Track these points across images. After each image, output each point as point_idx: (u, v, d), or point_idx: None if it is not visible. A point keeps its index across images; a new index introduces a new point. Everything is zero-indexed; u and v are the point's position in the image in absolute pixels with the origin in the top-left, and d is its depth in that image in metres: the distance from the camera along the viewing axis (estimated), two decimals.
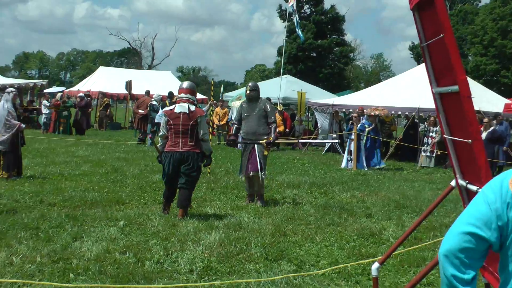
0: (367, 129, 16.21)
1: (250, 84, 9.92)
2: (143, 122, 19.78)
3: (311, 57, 55.57)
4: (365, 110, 17.25)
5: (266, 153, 9.52)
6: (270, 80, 32.96)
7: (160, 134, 8.24)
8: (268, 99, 21.10)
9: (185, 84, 8.38)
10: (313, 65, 54.26)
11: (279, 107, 22.30)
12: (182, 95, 8.11)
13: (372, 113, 16.55)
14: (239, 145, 10.09)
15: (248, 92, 9.78)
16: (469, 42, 53.50)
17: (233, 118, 10.00)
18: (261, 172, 9.37)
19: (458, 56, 3.08)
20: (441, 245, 2.21)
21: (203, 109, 15.42)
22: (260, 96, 9.87)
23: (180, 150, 7.91)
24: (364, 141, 16.20)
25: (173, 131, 7.93)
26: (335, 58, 57.01)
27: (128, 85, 24.48)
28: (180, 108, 7.96)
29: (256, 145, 9.44)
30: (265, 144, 9.44)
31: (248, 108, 9.68)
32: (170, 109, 8.06)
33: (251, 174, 9.48)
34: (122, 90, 28.21)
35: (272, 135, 9.45)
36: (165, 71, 37.97)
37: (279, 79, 26.39)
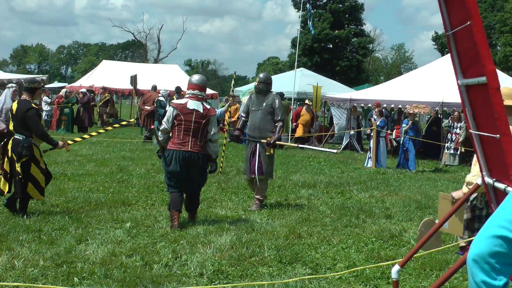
0: (404, 128, 16.05)
1: (261, 75, 9.62)
2: (150, 119, 19.87)
3: (327, 48, 55.56)
4: (407, 107, 16.86)
5: (268, 152, 9.22)
6: (284, 74, 32.91)
7: (162, 127, 7.81)
8: (281, 94, 21.14)
9: (196, 79, 7.93)
10: (329, 58, 54.23)
11: (307, 102, 22.33)
12: (195, 91, 7.76)
13: (411, 111, 16.28)
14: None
15: (257, 83, 9.53)
16: (498, 31, 53.08)
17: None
18: (262, 174, 9.13)
19: (486, 45, 3.07)
20: (470, 248, 2.18)
21: (221, 109, 15.46)
22: (272, 90, 9.57)
23: (189, 150, 7.60)
24: (402, 141, 16.07)
25: (183, 127, 7.59)
26: (353, 50, 56.97)
27: (133, 79, 24.55)
28: (194, 105, 7.64)
29: (258, 144, 9.20)
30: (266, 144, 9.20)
31: (256, 102, 9.39)
32: (182, 104, 7.68)
33: (252, 176, 9.27)
34: (127, 85, 28.26)
35: (275, 135, 9.15)
36: (172, 64, 38.01)
37: (293, 73, 26.28)
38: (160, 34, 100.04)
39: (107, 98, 28.14)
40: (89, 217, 8.00)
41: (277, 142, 9.27)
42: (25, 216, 7.77)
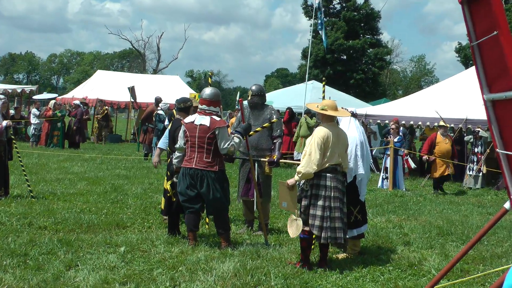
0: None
1: (253, 87, 9.41)
2: (148, 135, 19.86)
3: (341, 60, 55.75)
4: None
5: (267, 171, 9.17)
6: (294, 87, 33.11)
7: (177, 145, 8.26)
8: (289, 109, 21.32)
9: (207, 93, 8.11)
10: (343, 70, 54.37)
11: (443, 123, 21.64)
12: (202, 106, 8.04)
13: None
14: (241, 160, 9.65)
15: (250, 97, 9.37)
16: None
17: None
18: (261, 197, 9.02)
19: None
20: (506, 280, 2.16)
21: None
22: (267, 103, 9.53)
23: (193, 166, 7.86)
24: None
25: (189, 144, 7.96)
26: (369, 62, 57.08)
27: (131, 91, 24.63)
28: (201, 120, 7.93)
29: (256, 163, 9.05)
30: (267, 163, 9.10)
31: (251, 117, 9.30)
32: (191, 120, 8.02)
33: (251, 199, 9.19)
34: (123, 98, 28.45)
35: (276, 153, 9.08)
36: (173, 75, 38.25)
37: (304, 86, 26.46)
38: (160, 42, 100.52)
39: (106, 112, 27.92)
40: (80, 240, 7.98)
41: (280, 161, 9.26)
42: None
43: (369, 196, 14.10)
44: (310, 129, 18.77)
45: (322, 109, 7.22)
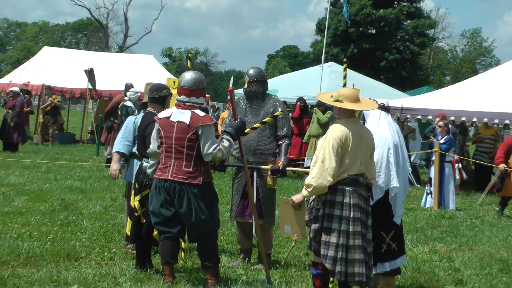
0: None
1: (250, 71, 9.25)
2: (113, 134, 19.67)
3: (368, 35, 55.86)
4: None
5: (270, 183, 9.08)
6: (306, 71, 32.75)
7: (148, 149, 8.12)
8: (301, 100, 21.00)
9: (186, 79, 7.97)
10: (371, 48, 54.41)
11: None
12: (181, 97, 7.92)
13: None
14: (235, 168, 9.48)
15: (246, 84, 9.22)
16: None
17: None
18: (262, 218, 8.98)
19: None
20: None
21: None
22: (269, 92, 9.44)
23: (170, 178, 7.74)
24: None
25: (164, 147, 7.84)
26: (406, 37, 57.10)
27: (89, 75, 24.45)
28: (179, 115, 7.80)
29: (255, 173, 8.98)
30: (269, 172, 8.98)
31: (248, 111, 9.22)
32: (165, 116, 7.90)
33: (249, 221, 9.07)
34: (78, 84, 28.25)
35: (282, 158, 8.95)
36: (146, 54, 38.13)
37: (319, 69, 26.24)
38: (128, 11, 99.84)
39: (55, 101, 27.29)
40: (16, 277, 7.90)
41: (287, 169, 9.14)
42: None
43: (406, 217, 14.06)
44: (324, 127, 18.56)
45: (337, 100, 7.13)
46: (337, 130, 7.01)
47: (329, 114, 18.89)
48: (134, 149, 9.17)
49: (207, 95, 31.52)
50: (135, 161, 9.14)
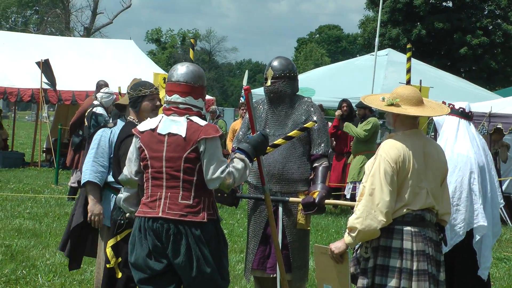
0: None
1: (275, 62, 7.77)
2: (82, 153, 16.75)
3: (442, 10, 51.15)
4: None
5: (302, 222, 7.55)
6: (353, 61, 30.62)
7: (121, 176, 6.61)
8: (346, 102, 18.12)
9: (182, 72, 6.45)
10: (447, 29, 49.03)
11: None
12: (172, 97, 6.38)
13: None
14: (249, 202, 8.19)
15: (269, 82, 7.77)
16: None
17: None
18: (291, 272, 7.56)
19: None
20: None
21: None
22: (300, 93, 7.89)
23: (160, 215, 6.20)
24: None
25: (151, 173, 6.31)
26: (497, 13, 51.64)
27: (44, 69, 22.76)
28: (170, 125, 6.29)
29: (281, 208, 7.52)
30: (300, 206, 7.44)
31: (271, 119, 7.75)
32: (150, 128, 6.40)
33: (273, 276, 7.62)
34: (28, 82, 25.25)
35: (319, 186, 7.42)
36: (123, 39, 35.75)
37: (371, 59, 23.75)
38: None
39: None
40: None
41: (326, 202, 7.50)
42: None
43: (496, 270, 12.43)
44: (366, 143, 15.99)
45: (391, 104, 5.76)
46: (390, 149, 5.70)
47: (370, 124, 15.95)
48: (110, 178, 7.61)
49: (210, 97, 28.46)
50: (111, 195, 7.66)
